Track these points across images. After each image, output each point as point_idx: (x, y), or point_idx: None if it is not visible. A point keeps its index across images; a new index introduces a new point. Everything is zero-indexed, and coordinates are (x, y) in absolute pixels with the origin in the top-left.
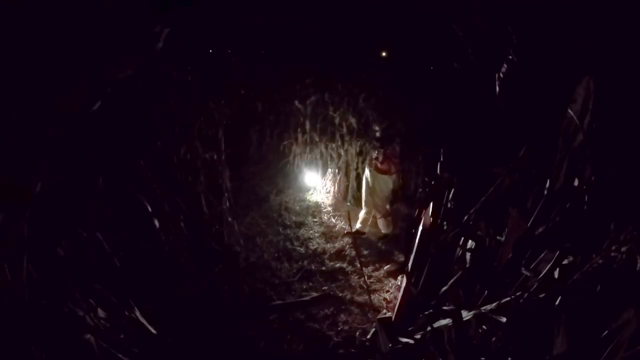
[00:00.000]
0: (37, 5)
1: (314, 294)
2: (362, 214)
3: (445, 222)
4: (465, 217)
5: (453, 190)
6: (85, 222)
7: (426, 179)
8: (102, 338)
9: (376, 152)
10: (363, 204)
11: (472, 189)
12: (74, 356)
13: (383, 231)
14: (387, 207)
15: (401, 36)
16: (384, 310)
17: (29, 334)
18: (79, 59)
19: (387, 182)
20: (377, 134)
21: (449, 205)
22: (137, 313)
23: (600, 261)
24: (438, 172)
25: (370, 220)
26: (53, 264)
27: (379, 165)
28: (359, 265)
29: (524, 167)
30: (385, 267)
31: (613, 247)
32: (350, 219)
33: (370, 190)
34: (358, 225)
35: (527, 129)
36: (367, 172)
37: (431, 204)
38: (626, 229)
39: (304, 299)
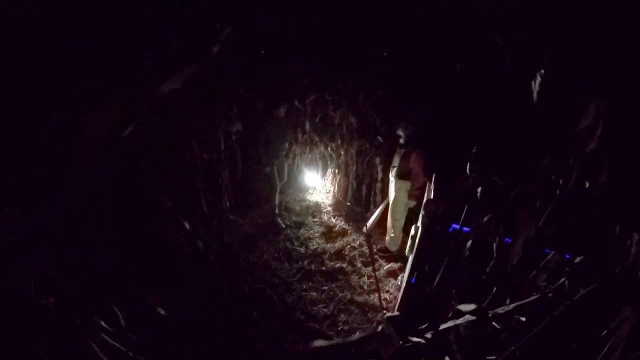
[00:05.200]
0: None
1: (362, 334)
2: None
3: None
4: (485, 219)
5: (480, 191)
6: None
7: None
8: (100, 337)
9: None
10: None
11: (495, 191)
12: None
13: (387, 245)
14: (400, 222)
15: (414, 36)
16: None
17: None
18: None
19: (404, 189)
20: (401, 140)
21: (473, 205)
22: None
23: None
24: (467, 172)
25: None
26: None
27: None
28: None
29: (546, 174)
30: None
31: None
32: (370, 241)
33: (393, 199)
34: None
35: (551, 136)
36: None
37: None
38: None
39: (350, 339)
